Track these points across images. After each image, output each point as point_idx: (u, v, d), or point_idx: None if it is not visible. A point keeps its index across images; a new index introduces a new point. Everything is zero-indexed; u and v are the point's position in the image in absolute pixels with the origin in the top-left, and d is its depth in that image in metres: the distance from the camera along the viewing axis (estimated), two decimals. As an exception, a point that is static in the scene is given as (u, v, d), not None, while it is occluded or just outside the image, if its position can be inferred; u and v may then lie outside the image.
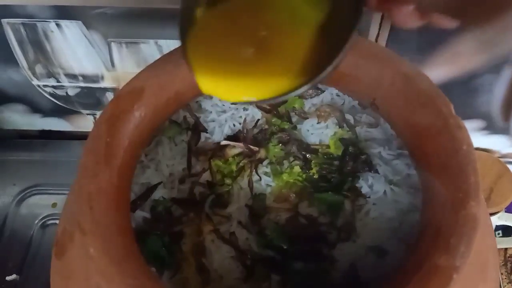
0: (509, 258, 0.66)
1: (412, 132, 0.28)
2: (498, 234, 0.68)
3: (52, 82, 0.59)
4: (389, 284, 0.24)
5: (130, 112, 0.28)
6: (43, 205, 0.58)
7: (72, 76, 0.57)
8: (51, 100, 0.62)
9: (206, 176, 0.37)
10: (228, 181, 0.37)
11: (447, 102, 0.27)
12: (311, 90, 0.40)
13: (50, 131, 0.68)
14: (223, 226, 0.35)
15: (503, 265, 0.66)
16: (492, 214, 0.59)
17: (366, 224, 0.34)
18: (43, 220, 0.57)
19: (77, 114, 0.64)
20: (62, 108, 0.63)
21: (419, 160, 0.28)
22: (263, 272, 0.33)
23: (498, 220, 0.60)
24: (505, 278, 0.65)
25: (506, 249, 0.66)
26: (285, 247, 0.34)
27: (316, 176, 0.37)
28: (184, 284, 0.33)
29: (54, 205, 0.59)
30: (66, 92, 0.60)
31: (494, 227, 0.64)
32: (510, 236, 0.64)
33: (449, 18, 0.21)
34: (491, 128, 0.58)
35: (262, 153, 0.38)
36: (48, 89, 0.60)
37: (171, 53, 0.31)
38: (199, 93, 0.33)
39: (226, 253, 0.34)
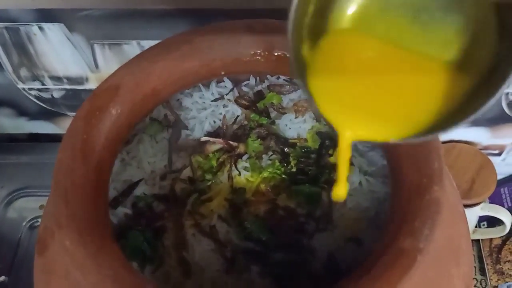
0: (494, 249, 0.67)
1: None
2: (483, 225, 0.69)
3: (37, 85, 0.59)
4: (360, 269, 0.24)
5: (106, 109, 0.29)
6: (31, 207, 0.59)
7: (57, 79, 0.58)
8: (37, 103, 0.62)
9: (187, 172, 0.38)
10: (208, 176, 0.38)
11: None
12: (288, 86, 0.40)
13: (37, 134, 0.68)
14: (204, 220, 0.36)
15: (488, 255, 0.67)
16: (475, 204, 0.60)
17: (343, 214, 0.35)
18: (31, 222, 0.58)
19: (64, 116, 0.65)
20: (48, 110, 0.63)
21: (388, 150, 0.29)
22: (244, 263, 0.34)
23: (481, 211, 0.61)
24: (491, 268, 0.66)
25: (491, 239, 0.67)
26: (264, 239, 0.35)
27: (294, 169, 0.38)
28: (166, 277, 0.34)
29: (41, 207, 0.59)
30: (52, 95, 0.61)
31: (477, 218, 0.65)
32: (495, 227, 0.65)
33: None
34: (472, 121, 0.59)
35: (241, 148, 0.38)
36: (34, 92, 0.61)
37: (146, 50, 0.32)
38: (177, 90, 0.34)
39: (207, 246, 0.35)
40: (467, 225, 0.33)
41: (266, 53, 0.31)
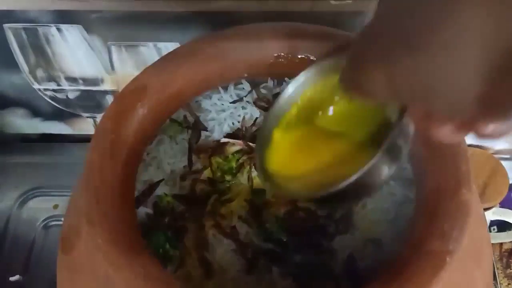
0: (505, 253, 0.67)
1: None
2: (494, 229, 0.69)
3: (52, 85, 0.60)
4: (387, 271, 0.25)
5: (134, 110, 0.29)
6: (44, 207, 0.59)
7: (73, 80, 0.58)
8: (52, 104, 0.63)
9: (206, 173, 0.38)
10: (228, 177, 0.38)
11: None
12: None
13: (50, 135, 0.69)
14: (224, 221, 0.36)
15: (498, 260, 0.67)
16: (486, 209, 0.60)
17: (363, 216, 0.36)
18: (45, 222, 0.58)
19: (78, 117, 0.65)
20: (63, 111, 0.64)
21: (413, 153, 0.29)
22: (264, 264, 0.34)
23: (493, 215, 0.62)
24: (501, 273, 0.66)
25: (501, 244, 0.67)
26: (284, 240, 0.35)
27: (314, 171, 0.38)
28: (187, 277, 0.34)
29: (55, 206, 0.59)
30: (67, 96, 0.61)
31: (489, 222, 0.65)
32: (505, 231, 0.65)
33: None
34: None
35: (261, 150, 0.39)
36: (49, 93, 0.61)
37: (171, 53, 0.32)
38: (201, 91, 0.34)
39: (228, 247, 0.35)
40: (487, 229, 0.33)
41: (290, 55, 0.32)
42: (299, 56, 0.32)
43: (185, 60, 0.31)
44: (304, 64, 0.33)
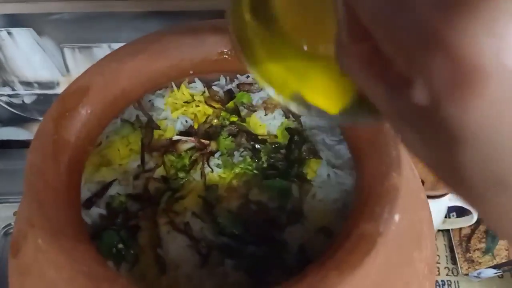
0: (464, 238, 0.70)
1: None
2: (453, 215, 0.72)
3: (7, 91, 0.59)
4: (325, 255, 0.26)
5: (76, 110, 0.29)
6: (4, 214, 0.58)
7: (27, 84, 0.58)
8: (8, 109, 0.62)
9: (160, 171, 0.39)
10: (181, 174, 0.39)
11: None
12: (257, 85, 0.42)
13: (9, 141, 0.67)
14: (178, 217, 0.37)
15: (458, 244, 0.70)
16: (443, 195, 0.62)
17: (313, 207, 0.36)
18: (5, 229, 0.57)
19: (35, 122, 0.64)
20: (20, 116, 0.63)
21: (350, 140, 0.30)
22: (218, 257, 0.35)
23: (450, 201, 0.64)
24: (461, 257, 0.69)
25: (460, 229, 0.70)
26: (237, 233, 0.35)
27: (265, 165, 0.39)
28: (142, 275, 0.34)
29: (15, 213, 0.58)
30: (23, 100, 0.60)
31: (446, 208, 0.67)
32: (463, 216, 0.68)
33: None
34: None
35: (213, 146, 0.39)
36: (4, 98, 0.60)
37: (115, 51, 0.33)
38: (147, 90, 0.35)
39: (182, 243, 0.35)
40: (429, 211, 0.34)
41: (233, 51, 0.32)
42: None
43: (128, 59, 0.31)
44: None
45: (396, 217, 0.25)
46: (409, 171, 0.31)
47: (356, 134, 0.29)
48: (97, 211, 0.36)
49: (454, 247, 0.70)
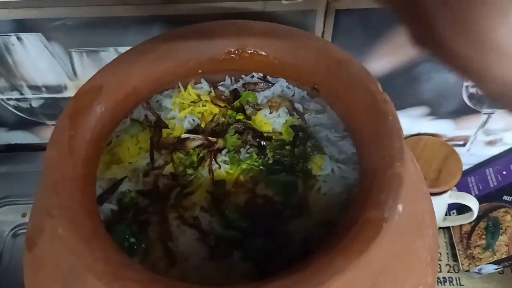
0: (464, 235, 0.71)
1: (347, 108, 0.31)
2: (453, 213, 0.73)
3: (15, 95, 0.60)
4: (330, 241, 0.27)
5: (91, 108, 0.30)
6: (13, 215, 0.60)
7: (35, 88, 0.59)
8: (16, 113, 0.63)
9: (169, 168, 0.40)
10: (190, 171, 0.40)
11: (375, 81, 0.31)
12: (262, 84, 0.43)
13: (16, 145, 0.69)
14: (187, 212, 0.38)
15: (459, 242, 0.71)
16: (443, 192, 0.63)
17: (318, 200, 0.38)
18: (14, 230, 0.59)
19: (43, 125, 0.66)
20: (27, 120, 0.64)
21: (354, 133, 0.31)
22: (226, 250, 0.36)
23: (450, 198, 0.65)
24: (462, 254, 0.70)
25: (461, 226, 0.71)
26: (244, 226, 0.37)
27: (270, 161, 0.40)
28: (152, 267, 0.35)
29: (24, 215, 0.60)
30: (30, 104, 0.61)
31: (447, 205, 0.68)
32: (464, 214, 0.69)
33: None
34: (435, 113, 0.63)
35: (220, 143, 0.41)
36: (12, 102, 0.61)
37: (126, 53, 0.34)
38: (156, 89, 0.36)
39: (191, 236, 0.36)
40: (431, 202, 0.36)
41: (240, 51, 0.34)
42: (249, 51, 0.34)
43: (138, 59, 0.33)
44: (254, 59, 0.36)
45: (400, 206, 0.26)
46: (411, 164, 0.32)
47: (360, 125, 0.30)
48: (109, 207, 0.37)
49: (455, 244, 0.71)
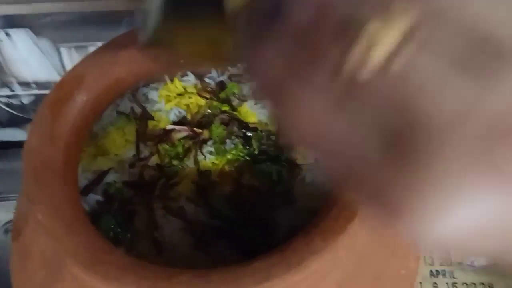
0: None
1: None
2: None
3: (6, 91, 0.60)
4: (311, 224, 0.27)
5: (72, 97, 0.31)
6: (4, 212, 0.60)
7: (26, 84, 0.59)
8: (7, 110, 0.63)
9: (154, 160, 0.40)
10: (175, 162, 0.40)
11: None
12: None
13: (8, 142, 0.69)
14: (173, 202, 0.38)
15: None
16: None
17: (303, 190, 0.38)
18: (5, 226, 0.58)
19: (34, 122, 0.66)
20: (18, 117, 0.64)
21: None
22: (212, 239, 0.36)
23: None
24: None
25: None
26: (230, 216, 0.37)
27: (256, 151, 0.40)
28: (139, 257, 0.36)
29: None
30: (21, 101, 0.62)
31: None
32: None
33: None
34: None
35: (206, 134, 0.41)
36: (3, 99, 0.62)
37: (109, 42, 0.34)
38: (139, 79, 0.36)
39: (177, 226, 0.36)
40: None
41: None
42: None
43: (122, 49, 0.33)
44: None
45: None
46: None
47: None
48: (95, 197, 0.37)
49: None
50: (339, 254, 0.25)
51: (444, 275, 0.69)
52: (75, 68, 0.32)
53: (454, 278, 0.69)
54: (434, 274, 0.70)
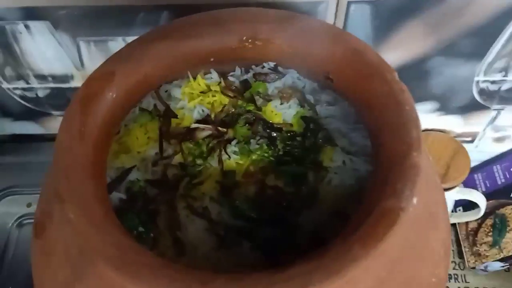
0: (471, 232, 0.70)
1: (362, 98, 0.31)
2: (459, 209, 0.72)
3: (21, 84, 0.60)
4: (345, 231, 0.26)
5: (102, 93, 0.30)
6: (18, 205, 0.59)
7: (42, 77, 0.59)
8: (22, 103, 0.63)
9: (178, 158, 0.40)
10: (199, 161, 0.39)
11: (391, 70, 0.30)
12: (272, 75, 0.42)
13: (22, 135, 0.68)
14: (196, 202, 0.37)
15: (465, 238, 0.70)
16: (450, 188, 0.63)
17: (328, 192, 0.37)
18: (19, 220, 0.58)
19: (49, 116, 0.65)
20: (33, 110, 0.64)
21: (369, 124, 0.31)
22: (235, 240, 0.35)
23: (457, 194, 0.65)
24: (468, 251, 0.69)
25: (467, 223, 0.71)
26: (254, 216, 0.36)
27: (281, 152, 0.39)
28: (161, 256, 0.35)
29: (29, 205, 0.59)
30: (36, 94, 0.61)
31: (453, 202, 0.68)
32: (470, 210, 0.68)
33: None
34: (444, 109, 0.63)
35: (230, 134, 0.40)
36: (18, 92, 0.61)
37: (138, 39, 0.33)
38: (168, 76, 0.35)
39: (200, 226, 0.36)
40: (443, 195, 0.35)
41: (253, 38, 0.33)
42: (262, 39, 0.33)
43: (150, 46, 0.32)
44: (268, 47, 0.35)
45: (415, 199, 0.25)
46: (425, 154, 0.31)
47: (376, 115, 0.29)
48: (118, 195, 0.37)
49: (461, 241, 0.70)
50: (375, 262, 0.25)
51: (456, 279, 0.69)
52: (104, 64, 0.31)
53: (467, 282, 0.68)
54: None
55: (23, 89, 0.60)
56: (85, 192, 0.26)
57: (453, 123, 0.65)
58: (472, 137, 0.69)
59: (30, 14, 0.51)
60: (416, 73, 0.56)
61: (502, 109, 0.62)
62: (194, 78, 0.43)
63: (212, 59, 0.34)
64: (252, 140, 0.40)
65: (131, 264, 0.25)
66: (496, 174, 0.70)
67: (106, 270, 0.25)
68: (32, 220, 0.58)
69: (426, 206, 0.30)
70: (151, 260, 0.25)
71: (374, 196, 0.27)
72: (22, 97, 0.62)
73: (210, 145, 0.40)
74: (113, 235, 0.25)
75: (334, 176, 0.38)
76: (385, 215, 0.24)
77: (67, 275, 0.29)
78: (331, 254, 0.24)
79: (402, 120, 0.28)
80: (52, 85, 0.60)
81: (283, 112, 0.41)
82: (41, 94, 0.61)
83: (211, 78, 0.44)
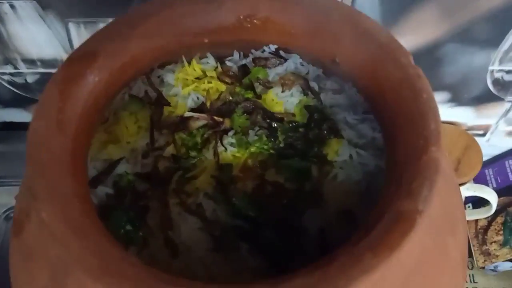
0: (480, 230, 0.67)
1: (373, 84, 0.27)
2: (469, 206, 0.69)
3: (9, 69, 0.56)
4: (357, 234, 0.23)
5: (83, 76, 0.27)
6: (6, 197, 0.56)
7: (30, 62, 0.55)
8: (10, 89, 0.60)
9: (170, 150, 0.36)
10: (193, 153, 0.36)
11: (406, 53, 0.27)
12: (274, 59, 0.39)
13: (11, 123, 0.65)
14: (190, 198, 0.34)
15: (474, 237, 0.67)
16: (461, 184, 0.60)
17: (334, 189, 0.34)
18: (6, 213, 0.55)
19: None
20: (22, 97, 0.61)
21: (381, 113, 0.28)
22: (232, 241, 0.32)
23: (467, 191, 0.61)
24: (477, 250, 0.66)
25: (476, 221, 0.68)
26: (253, 216, 0.33)
27: (282, 144, 0.36)
28: (152, 258, 0.32)
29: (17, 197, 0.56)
30: (25, 79, 0.58)
31: (464, 198, 0.65)
32: (480, 208, 0.65)
33: None
34: (456, 100, 0.59)
35: (227, 124, 0.37)
36: (6, 77, 0.58)
37: (124, 16, 0.30)
38: (157, 59, 0.32)
39: (194, 225, 0.33)
40: (461, 196, 0.32)
41: (252, 17, 0.30)
42: (262, 17, 0.30)
43: (139, 23, 0.29)
44: (268, 27, 0.32)
45: (433, 200, 0.22)
46: (443, 149, 0.28)
47: (389, 104, 0.26)
48: (104, 190, 0.34)
49: (470, 239, 0.67)
50: (389, 272, 0.22)
51: (464, 278, 0.66)
52: (86, 43, 0.28)
53: (475, 282, 0.66)
54: (455, 277, 0.67)
55: (11, 74, 0.57)
56: (61, 189, 0.23)
57: (465, 115, 0.62)
58: (484, 131, 0.65)
59: (15, -7, 0.47)
60: (427, 60, 0.53)
61: (518, 101, 0.58)
62: (189, 63, 0.40)
63: (206, 40, 0.30)
64: (250, 131, 0.37)
65: (113, 275, 0.22)
66: (508, 170, 0.67)
67: (85, 280, 0.22)
68: (20, 213, 0.56)
69: (444, 208, 0.27)
70: (135, 270, 0.22)
71: (387, 196, 0.23)
72: (10, 83, 0.59)
73: (205, 135, 0.37)
74: (94, 241, 0.22)
75: (340, 171, 0.35)
76: (400, 219, 0.21)
77: (46, 281, 0.26)
78: (339, 263, 0.21)
79: (419, 110, 0.25)
80: (41, 70, 0.56)
81: (284, 101, 0.38)
82: (30, 79, 0.58)
83: (207, 63, 0.40)
